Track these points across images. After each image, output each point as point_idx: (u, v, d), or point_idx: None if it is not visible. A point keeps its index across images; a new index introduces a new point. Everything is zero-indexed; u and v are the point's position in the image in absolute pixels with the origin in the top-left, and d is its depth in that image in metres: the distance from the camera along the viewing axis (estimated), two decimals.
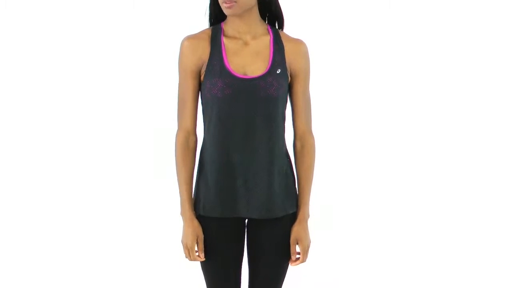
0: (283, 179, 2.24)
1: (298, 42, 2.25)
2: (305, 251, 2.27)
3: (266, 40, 2.20)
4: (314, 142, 2.30)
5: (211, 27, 2.25)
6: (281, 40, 2.22)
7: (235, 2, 2.10)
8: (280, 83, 2.17)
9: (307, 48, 2.26)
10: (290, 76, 2.23)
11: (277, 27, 2.28)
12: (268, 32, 2.22)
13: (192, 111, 2.23)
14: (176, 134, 2.26)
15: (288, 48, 2.22)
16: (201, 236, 2.25)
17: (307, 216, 2.28)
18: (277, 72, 2.17)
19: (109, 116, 3.79)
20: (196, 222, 2.25)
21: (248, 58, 2.18)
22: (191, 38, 2.21)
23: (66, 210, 3.79)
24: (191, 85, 2.20)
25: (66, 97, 3.78)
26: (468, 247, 3.76)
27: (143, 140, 3.79)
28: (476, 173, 3.80)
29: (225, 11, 2.14)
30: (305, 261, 2.29)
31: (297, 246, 2.28)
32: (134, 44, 3.75)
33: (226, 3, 2.11)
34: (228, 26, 2.21)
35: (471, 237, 3.78)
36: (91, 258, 3.73)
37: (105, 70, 3.77)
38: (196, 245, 2.25)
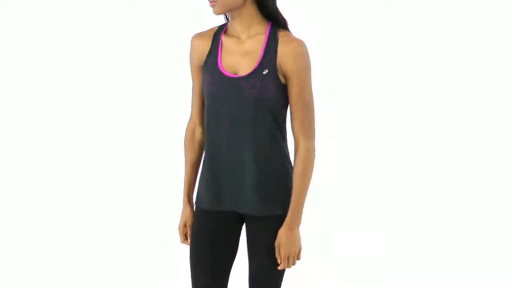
0: (271, 180, 2.21)
1: (293, 42, 2.14)
2: (285, 258, 2.20)
3: (260, 40, 2.16)
4: (311, 147, 2.19)
5: (220, 25, 2.28)
6: (277, 40, 2.15)
7: (216, 1, 2.11)
8: (265, 84, 2.13)
9: (303, 48, 2.14)
10: (285, 77, 2.17)
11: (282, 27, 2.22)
12: (266, 32, 2.18)
13: (198, 104, 2.32)
14: (187, 124, 2.37)
15: (281, 48, 2.14)
16: (189, 223, 2.35)
17: (293, 221, 2.19)
18: (264, 72, 2.13)
19: (108, 115, 3.79)
20: (188, 209, 2.36)
21: (239, 57, 2.17)
22: (197, 35, 2.28)
23: (67, 209, 3.79)
24: (196, 79, 2.30)
25: (65, 96, 3.78)
26: (469, 251, 3.76)
27: (141, 139, 3.79)
28: (478, 174, 3.79)
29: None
30: (288, 267, 2.22)
31: None
32: (132, 43, 3.75)
33: (209, 2, 2.14)
34: (229, 25, 2.22)
35: (473, 241, 3.78)
36: (92, 257, 3.73)
37: (104, 69, 3.77)
38: (186, 230, 2.37)
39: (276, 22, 2.19)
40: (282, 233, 2.19)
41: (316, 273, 3.64)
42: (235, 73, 2.17)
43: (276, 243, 2.20)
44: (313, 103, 2.20)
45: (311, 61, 2.18)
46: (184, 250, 2.40)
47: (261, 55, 2.14)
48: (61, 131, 3.79)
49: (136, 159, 3.81)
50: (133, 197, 3.80)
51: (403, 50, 3.76)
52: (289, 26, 2.21)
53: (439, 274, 3.68)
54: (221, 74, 2.17)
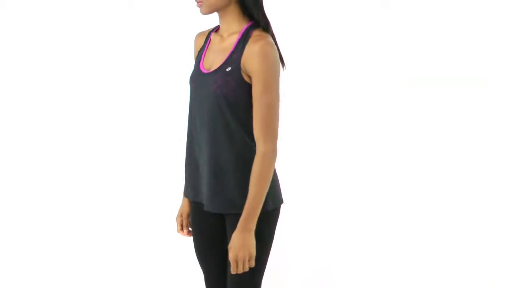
0: (228, 179, 2.21)
1: (260, 42, 2.11)
2: (233, 261, 2.13)
3: (234, 38, 2.20)
4: (269, 150, 2.12)
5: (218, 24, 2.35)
6: (248, 39, 2.15)
7: (202, 1, 2.17)
8: (226, 81, 2.15)
9: (268, 48, 2.11)
10: (249, 77, 2.16)
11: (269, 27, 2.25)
12: (241, 30, 2.19)
13: None
14: None
15: (248, 47, 2.13)
16: (185, 214, 2.47)
17: (245, 225, 2.12)
18: (227, 70, 2.16)
19: (108, 115, 3.80)
20: (185, 201, 2.48)
21: (216, 54, 2.23)
22: (198, 33, 2.41)
23: (66, 208, 3.80)
24: None
25: (65, 95, 3.78)
26: (465, 249, 3.77)
27: (144, 138, 3.80)
28: (475, 173, 3.79)
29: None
30: (237, 272, 2.14)
31: None
32: (133, 43, 3.76)
33: (196, 2, 2.20)
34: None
35: (469, 239, 3.79)
36: (92, 258, 3.75)
37: (104, 69, 3.77)
38: (181, 220, 2.48)
39: (255, 20, 2.20)
40: (233, 236, 2.14)
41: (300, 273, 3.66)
42: (209, 70, 2.23)
43: (229, 245, 2.17)
44: (276, 106, 2.14)
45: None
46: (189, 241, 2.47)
47: (229, 53, 2.18)
48: (61, 131, 3.79)
49: (140, 157, 3.81)
50: (136, 195, 3.81)
51: (400, 51, 3.77)
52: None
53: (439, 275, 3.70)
54: (199, 70, 2.26)
